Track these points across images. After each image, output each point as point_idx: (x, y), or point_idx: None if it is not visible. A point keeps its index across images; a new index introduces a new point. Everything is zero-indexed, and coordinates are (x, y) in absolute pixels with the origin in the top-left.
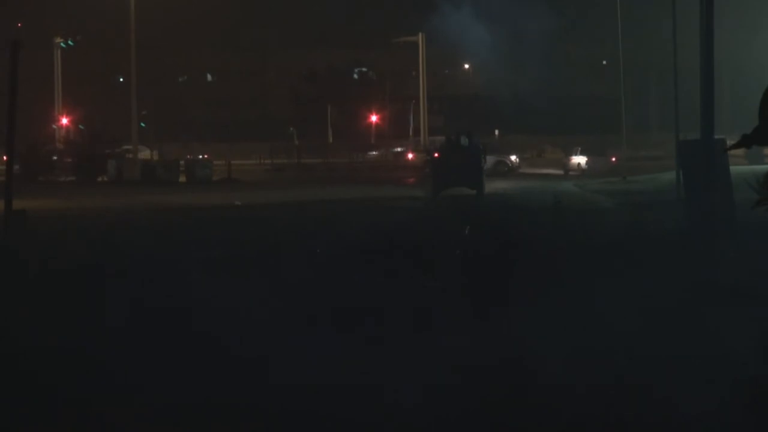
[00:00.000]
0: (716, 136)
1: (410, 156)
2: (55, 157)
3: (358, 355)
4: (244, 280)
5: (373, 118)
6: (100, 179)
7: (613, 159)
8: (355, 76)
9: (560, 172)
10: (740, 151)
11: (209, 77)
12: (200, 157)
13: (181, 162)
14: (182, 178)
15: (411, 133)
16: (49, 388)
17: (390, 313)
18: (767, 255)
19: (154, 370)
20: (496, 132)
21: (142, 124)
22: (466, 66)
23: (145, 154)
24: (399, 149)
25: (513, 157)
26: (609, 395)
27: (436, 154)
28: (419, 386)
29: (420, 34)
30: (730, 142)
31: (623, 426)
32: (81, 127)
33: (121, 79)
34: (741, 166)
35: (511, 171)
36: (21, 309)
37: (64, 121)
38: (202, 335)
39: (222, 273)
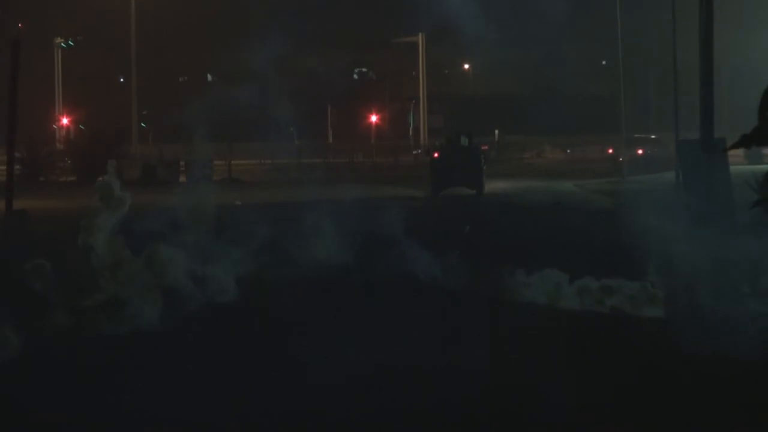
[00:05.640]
0: (716, 136)
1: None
2: (55, 158)
3: None
4: None
5: (373, 118)
6: (100, 179)
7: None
8: (355, 76)
9: None
10: (740, 151)
11: (209, 77)
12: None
13: (182, 162)
14: (182, 178)
15: (411, 134)
16: None
17: None
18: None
19: None
20: (496, 132)
21: (143, 125)
22: (466, 66)
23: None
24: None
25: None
26: None
27: (435, 154)
28: None
29: (420, 35)
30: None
31: None
32: (81, 127)
33: (122, 80)
34: (741, 166)
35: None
36: None
37: (65, 121)
38: None
39: None
